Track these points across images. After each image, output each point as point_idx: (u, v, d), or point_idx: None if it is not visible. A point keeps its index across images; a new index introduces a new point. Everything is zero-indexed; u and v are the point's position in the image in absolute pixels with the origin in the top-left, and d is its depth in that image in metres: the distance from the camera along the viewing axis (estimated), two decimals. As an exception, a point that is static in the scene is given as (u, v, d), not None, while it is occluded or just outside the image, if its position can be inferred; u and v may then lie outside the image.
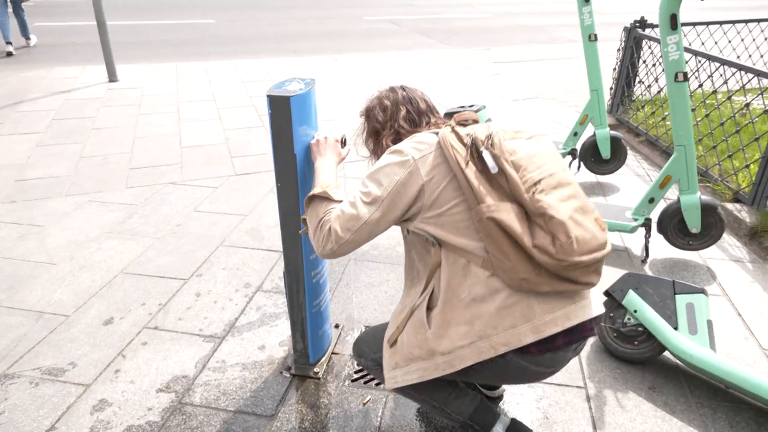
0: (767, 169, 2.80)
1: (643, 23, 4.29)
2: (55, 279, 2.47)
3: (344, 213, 1.33)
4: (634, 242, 2.83)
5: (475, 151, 1.26)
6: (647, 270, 2.62)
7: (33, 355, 2.01)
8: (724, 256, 2.73)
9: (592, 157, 3.51)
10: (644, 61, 4.38)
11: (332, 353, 2.06)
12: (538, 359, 1.27)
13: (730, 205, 3.01)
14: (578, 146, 3.58)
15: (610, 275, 2.53)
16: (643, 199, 2.64)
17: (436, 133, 1.34)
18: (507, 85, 5.89)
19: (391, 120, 1.49)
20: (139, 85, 5.62)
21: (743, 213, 2.92)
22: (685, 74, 2.29)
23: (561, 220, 1.19)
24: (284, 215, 1.73)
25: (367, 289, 2.45)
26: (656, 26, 4.27)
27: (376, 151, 1.53)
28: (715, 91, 3.42)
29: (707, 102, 3.82)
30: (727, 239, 2.86)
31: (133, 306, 2.30)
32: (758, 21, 4.76)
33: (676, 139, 2.42)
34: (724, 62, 3.06)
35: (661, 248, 2.76)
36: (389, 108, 1.50)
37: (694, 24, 4.54)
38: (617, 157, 3.47)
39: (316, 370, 1.94)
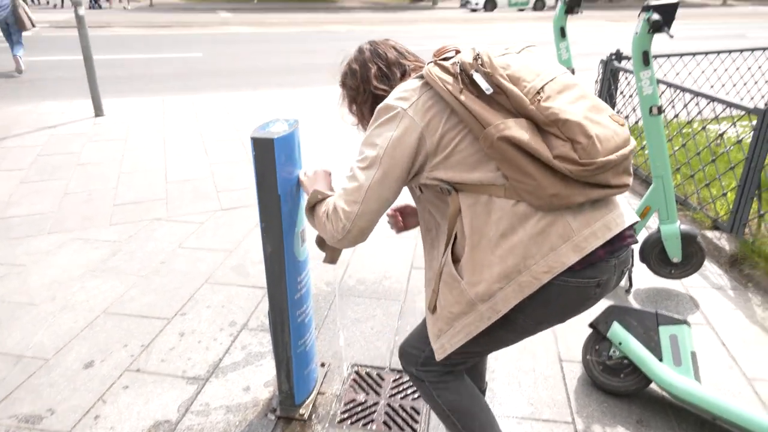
0: (743, 197, 2.86)
1: (618, 56, 4.42)
2: (36, 320, 2.43)
3: (345, 188, 1.26)
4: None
5: (465, 77, 1.18)
6: (631, 299, 2.65)
7: (10, 402, 1.96)
8: (706, 284, 2.76)
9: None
10: (621, 93, 4.50)
11: (318, 393, 2.04)
12: (580, 273, 1.18)
13: (709, 233, 3.07)
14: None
15: (593, 307, 2.55)
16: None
17: (421, 77, 1.27)
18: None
19: (363, 83, 1.41)
20: (126, 119, 5.64)
21: (723, 241, 2.97)
22: (659, 108, 2.35)
23: (576, 121, 1.10)
24: (268, 255, 1.73)
25: (353, 325, 2.44)
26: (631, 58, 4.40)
27: (360, 118, 1.49)
28: (690, 122, 3.52)
29: (683, 131, 3.92)
30: (709, 267, 2.90)
31: (115, 347, 2.26)
32: (729, 52, 4.93)
33: (653, 171, 2.47)
34: (697, 93, 3.16)
35: (645, 277, 2.79)
36: (358, 71, 1.42)
37: (668, 55, 4.69)
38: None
39: (301, 411, 1.92)
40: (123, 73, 8.36)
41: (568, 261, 1.14)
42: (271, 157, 1.57)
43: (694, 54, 4.65)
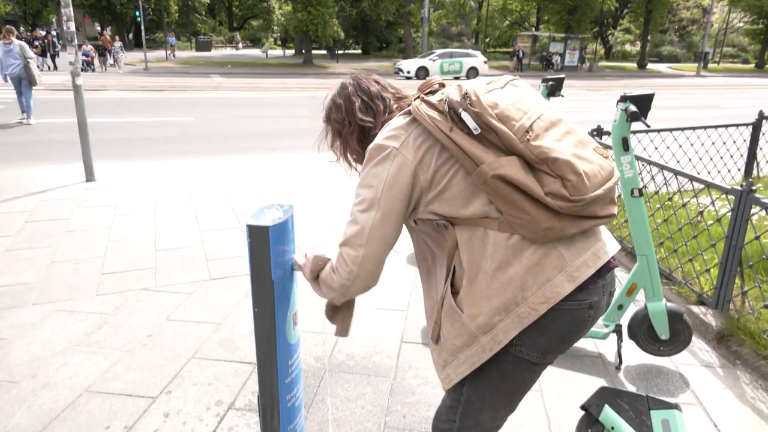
0: (725, 273, 2.93)
1: (600, 131, 4.61)
2: (15, 400, 2.35)
3: (347, 234, 1.29)
4: (607, 348, 2.87)
5: (454, 114, 1.21)
6: (622, 377, 2.64)
7: (-17, 493, 1.87)
8: (695, 362, 2.77)
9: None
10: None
11: (307, 481, 1.97)
12: (573, 297, 1.22)
13: (695, 308, 3.11)
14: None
15: (585, 384, 2.55)
16: (613, 306, 2.71)
17: (408, 113, 1.31)
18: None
19: (348, 116, 1.45)
20: (117, 184, 5.68)
21: (709, 316, 3.01)
22: (640, 190, 2.45)
23: (565, 159, 1.15)
24: (260, 341, 1.72)
25: (343, 404, 2.39)
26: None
27: (345, 152, 1.52)
28: (670, 198, 3.65)
29: (665, 204, 4.04)
30: (697, 343, 2.92)
31: (97, 430, 2.18)
32: (704, 128, 5.17)
33: (638, 250, 2.54)
34: (677, 173, 3.30)
35: (634, 354, 2.80)
36: (343, 105, 1.46)
37: (659, 130, 4.90)
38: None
39: (290, 501, 1.85)
40: (116, 137, 8.49)
41: (564, 291, 1.20)
42: (266, 244, 1.60)
43: (671, 130, 4.88)
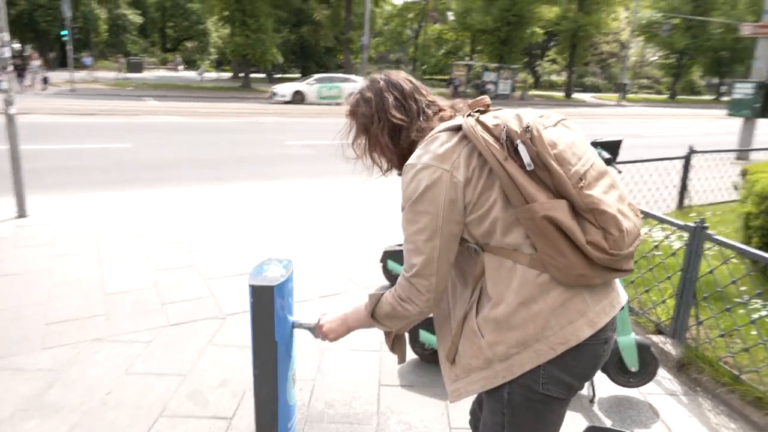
0: (681, 304, 3.10)
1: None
2: (-43, 478, 2.09)
3: (416, 266, 1.27)
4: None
5: (510, 144, 1.21)
6: (596, 410, 2.71)
7: None
8: (660, 391, 2.90)
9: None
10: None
11: None
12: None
13: (654, 338, 3.26)
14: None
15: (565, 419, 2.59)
16: None
17: (456, 129, 1.27)
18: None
19: (378, 111, 1.39)
20: (53, 220, 5.29)
21: (668, 346, 3.17)
22: None
23: (612, 214, 1.19)
24: (261, 403, 1.63)
25: (328, 458, 2.30)
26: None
27: (372, 150, 1.46)
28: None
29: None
30: (660, 372, 3.06)
31: (60, 508, 1.98)
32: (643, 161, 5.52)
33: None
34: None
35: (606, 387, 2.89)
36: (373, 99, 1.41)
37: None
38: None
39: None
40: (45, 165, 7.95)
41: (583, 335, 1.25)
42: (269, 305, 1.53)
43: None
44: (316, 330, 1.60)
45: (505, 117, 1.26)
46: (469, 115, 1.29)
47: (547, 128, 1.24)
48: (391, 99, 1.39)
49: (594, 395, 2.78)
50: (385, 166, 1.51)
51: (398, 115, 1.38)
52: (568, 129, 1.29)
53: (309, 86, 23.31)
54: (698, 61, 43.98)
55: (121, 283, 3.94)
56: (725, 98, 44.68)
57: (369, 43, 28.91)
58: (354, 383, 2.85)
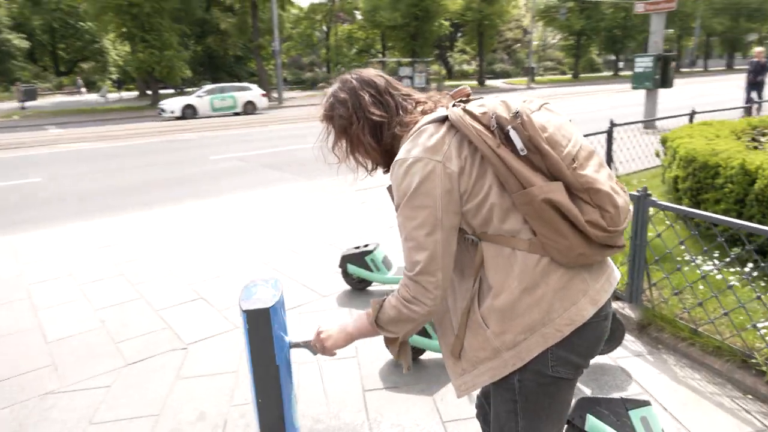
0: (634, 270, 3.28)
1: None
2: None
3: (420, 263, 1.23)
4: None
5: (500, 131, 1.21)
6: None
7: None
8: (628, 353, 3.05)
9: None
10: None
11: None
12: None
13: (613, 304, 3.43)
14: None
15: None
16: None
17: (442, 120, 1.26)
18: (377, 212, 6.22)
19: (356, 111, 1.36)
20: (-32, 270, 4.78)
21: (627, 310, 3.34)
22: None
23: (607, 191, 1.21)
24: (267, 433, 1.55)
25: (329, 475, 2.23)
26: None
27: (354, 151, 1.42)
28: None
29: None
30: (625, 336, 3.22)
31: None
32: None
33: None
34: None
35: None
36: (348, 99, 1.37)
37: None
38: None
39: None
40: (-54, 212, 7.18)
41: (587, 314, 1.26)
42: (267, 328, 1.45)
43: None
44: (316, 343, 1.54)
45: (492, 104, 1.25)
46: (454, 105, 1.28)
47: (534, 112, 1.25)
48: (367, 97, 1.36)
49: None
50: (369, 165, 1.47)
51: (377, 112, 1.35)
52: (552, 112, 1.30)
53: (199, 99, 21.70)
54: (594, 41, 46.97)
55: (63, 328, 3.62)
56: (623, 73, 48.10)
57: (280, 48, 28.47)
58: (337, 393, 2.78)
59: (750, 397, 2.56)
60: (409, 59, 35.34)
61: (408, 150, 1.25)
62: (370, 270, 3.85)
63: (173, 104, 21.36)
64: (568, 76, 49.11)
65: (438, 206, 1.22)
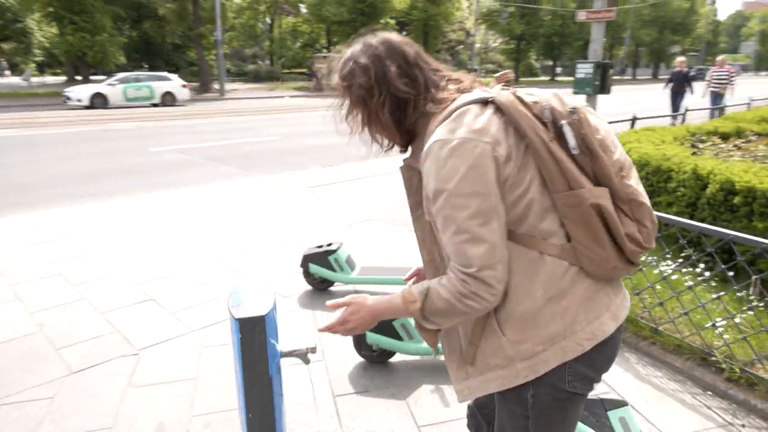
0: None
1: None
2: None
3: (480, 257, 1.09)
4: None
5: (553, 125, 1.13)
6: None
7: None
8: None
9: None
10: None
11: None
12: None
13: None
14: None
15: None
16: None
17: (484, 101, 1.15)
18: (333, 209, 6.09)
19: (379, 83, 1.21)
20: None
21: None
22: None
23: (648, 206, 1.17)
24: (258, 452, 1.42)
25: (305, 487, 2.12)
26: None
27: (370, 125, 1.28)
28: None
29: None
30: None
31: None
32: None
33: None
34: None
35: None
36: (370, 68, 1.21)
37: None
38: None
39: None
40: None
41: (609, 330, 1.21)
42: (261, 337, 1.33)
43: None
44: (338, 325, 1.32)
45: (545, 96, 1.18)
46: (504, 89, 1.19)
47: (589, 114, 1.18)
48: (393, 68, 1.21)
49: None
50: (385, 143, 1.34)
51: (404, 88, 1.21)
52: (598, 117, 1.23)
53: (111, 87, 19.81)
54: (534, 46, 48.59)
55: (-5, 333, 3.29)
56: (560, 78, 50.05)
57: (223, 38, 27.55)
58: (306, 400, 2.67)
59: (710, 393, 2.67)
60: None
61: (451, 130, 1.12)
62: (334, 270, 3.74)
63: (80, 92, 19.28)
64: (509, 79, 50.52)
65: (492, 192, 1.10)
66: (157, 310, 3.60)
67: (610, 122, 8.70)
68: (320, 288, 3.87)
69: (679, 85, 13.53)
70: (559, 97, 1.18)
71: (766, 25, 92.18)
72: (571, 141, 1.12)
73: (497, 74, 1.28)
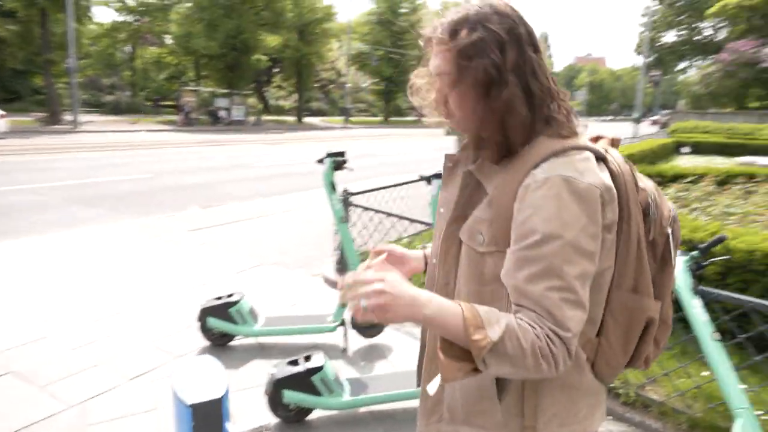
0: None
1: (348, 193, 4.95)
2: None
3: (571, 319, 0.92)
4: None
5: (652, 225, 1.06)
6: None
7: None
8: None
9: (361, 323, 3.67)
10: (354, 224, 5.03)
11: None
12: None
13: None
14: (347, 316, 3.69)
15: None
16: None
17: (597, 155, 1.00)
18: (220, 254, 5.73)
19: (518, 74, 0.97)
20: None
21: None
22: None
23: (670, 326, 1.14)
24: None
25: None
26: (359, 193, 5.05)
27: (466, 111, 1.03)
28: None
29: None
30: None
31: None
32: (401, 184, 6.18)
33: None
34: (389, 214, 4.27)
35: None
36: (507, 48, 0.97)
37: (366, 191, 5.52)
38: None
39: None
40: None
41: (597, 429, 1.13)
42: (218, 422, 1.16)
43: (379, 189, 5.65)
44: (373, 295, 0.95)
45: (650, 186, 1.09)
46: (607, 151, 1.05)
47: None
48: (535, 59, 0.99)
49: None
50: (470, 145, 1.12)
51: (543, 84, 1.00)
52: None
53: None
54: (402, 88, 51.29)
55: None
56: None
57: (76, 65, 25.23)
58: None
59: (610, 417, 2.88)
60: (226, 90, 34.32)
61: (580, 171, 0.95)
62: (236, 323, 3.48)
63: None
64: (380, 118, 52.68)
65: (597, 257, 0.96)
66: (19, 386, 3.04)
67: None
68: (219, 343, 3.57)
69: None
70: (659, 191, 1.11)
71: (593, 77, 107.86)
72: (671, 250, 1.09)
73: (594, 135, 1.12)
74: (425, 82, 1.13)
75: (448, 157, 1.21)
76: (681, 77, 69.67)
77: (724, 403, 2.43)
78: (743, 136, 18.13)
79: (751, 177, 6.46)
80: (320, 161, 3.51)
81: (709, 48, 41.67)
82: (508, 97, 0.98)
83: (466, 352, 0.91)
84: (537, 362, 0.91)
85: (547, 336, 0.92)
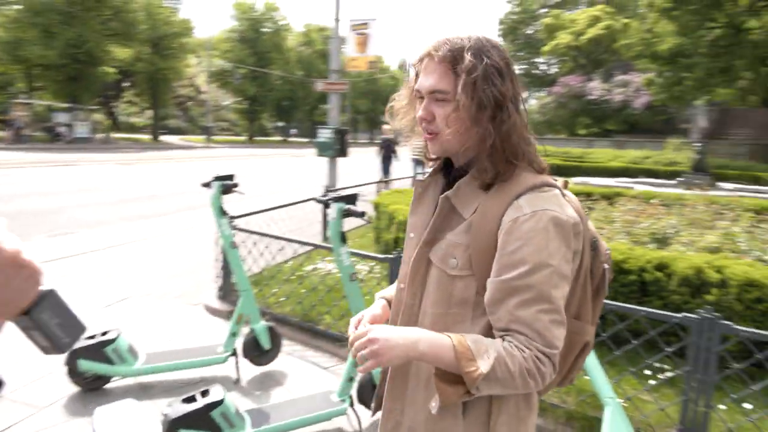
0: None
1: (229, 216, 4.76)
2: None
3: (557, 338, 1.01)
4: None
5: (597, 260, 1.16)
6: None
7: None
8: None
9: (254, 351, 3.56)
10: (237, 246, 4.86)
11: None
12: None
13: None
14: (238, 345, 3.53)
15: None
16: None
17: (563, 194, 1.10)
18: (79, 288, 5.13)
19: (513, 96, 1.07)
20: None
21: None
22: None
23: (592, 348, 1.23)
24: None
25: None
26: (241, 216, 4.90)
27: (468, 136, 1.07)
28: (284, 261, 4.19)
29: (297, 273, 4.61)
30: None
31: None
32: (291, 204, 6.11)
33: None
34: (279, 237, 4.31)
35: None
36: (507, 79, 1.06)
37: (247, 214, 5.39)
38: (275, 345, 3.62)
39: None
40: None
41: None
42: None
43: (265, 210, 5.55)
44: (362, 347, 1.03)
45: (593, 228, 1.18)
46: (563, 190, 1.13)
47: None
48: (520, 93, 1.11)
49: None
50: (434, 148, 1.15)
51: (521, 117, 1.11)
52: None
53: None
54: (266, 107, 50.56)
55: None
56: (292, 139, 52.90)
57: None
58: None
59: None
60: (67, 105, 30.95)
61: (561, 206, 1.05)
62: (113, 363, 3.15)
63: None
64: (243, 138, 51.24)
65: (571, 279, 1.07)
66: None
67: (366, 183, 9.58)
68: (92, 388, 3.21)
69: (388, 150, 14.58)
70: (595, 233, 1.19)
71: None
72: (605, 283, 1.18)
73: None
74: (406, 102, 1.17)
75: (418, 183, 1.25)
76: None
77: (594, 395, 2.79)
78: (576, 159, 20.74)
79: (588, 195, 7.38)
80: (206, 185, 3.37)
81: (545, 81, 47.26)
82: (513, 121, 1.06)
83: (459, 377, 1.00)
84: (525, 381, 1.00)
85: (536, 357, 1.00)
